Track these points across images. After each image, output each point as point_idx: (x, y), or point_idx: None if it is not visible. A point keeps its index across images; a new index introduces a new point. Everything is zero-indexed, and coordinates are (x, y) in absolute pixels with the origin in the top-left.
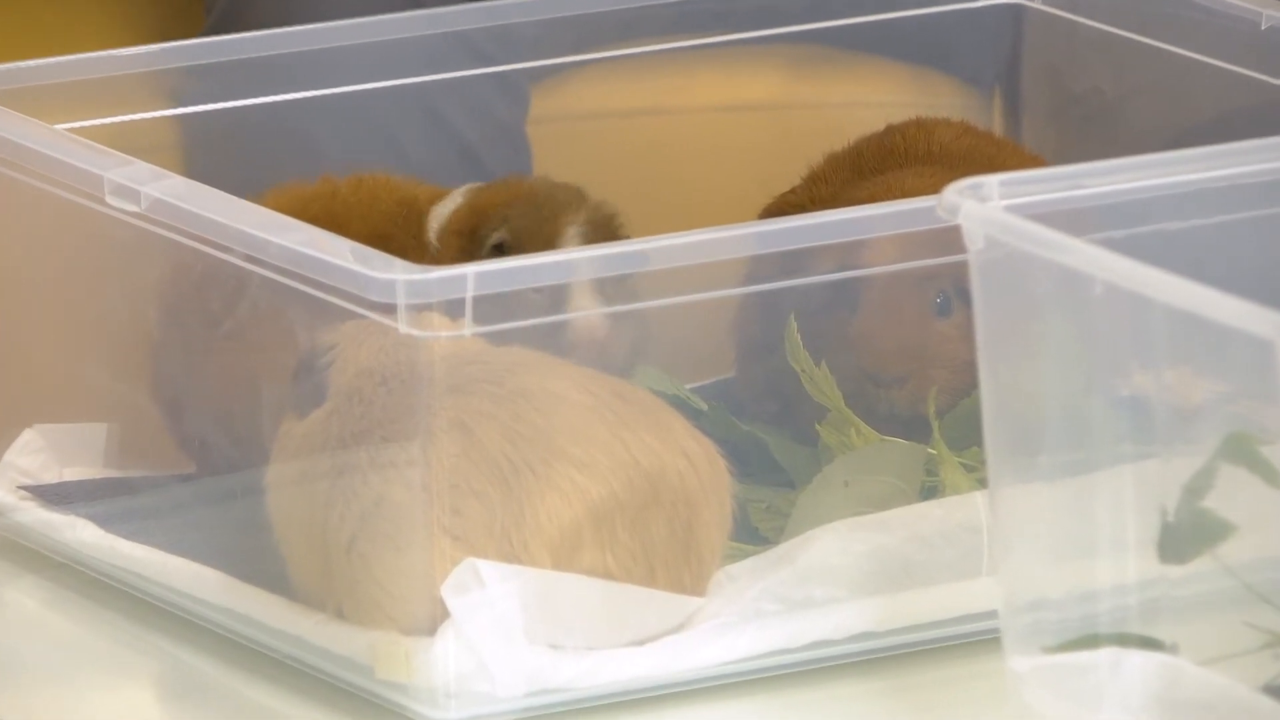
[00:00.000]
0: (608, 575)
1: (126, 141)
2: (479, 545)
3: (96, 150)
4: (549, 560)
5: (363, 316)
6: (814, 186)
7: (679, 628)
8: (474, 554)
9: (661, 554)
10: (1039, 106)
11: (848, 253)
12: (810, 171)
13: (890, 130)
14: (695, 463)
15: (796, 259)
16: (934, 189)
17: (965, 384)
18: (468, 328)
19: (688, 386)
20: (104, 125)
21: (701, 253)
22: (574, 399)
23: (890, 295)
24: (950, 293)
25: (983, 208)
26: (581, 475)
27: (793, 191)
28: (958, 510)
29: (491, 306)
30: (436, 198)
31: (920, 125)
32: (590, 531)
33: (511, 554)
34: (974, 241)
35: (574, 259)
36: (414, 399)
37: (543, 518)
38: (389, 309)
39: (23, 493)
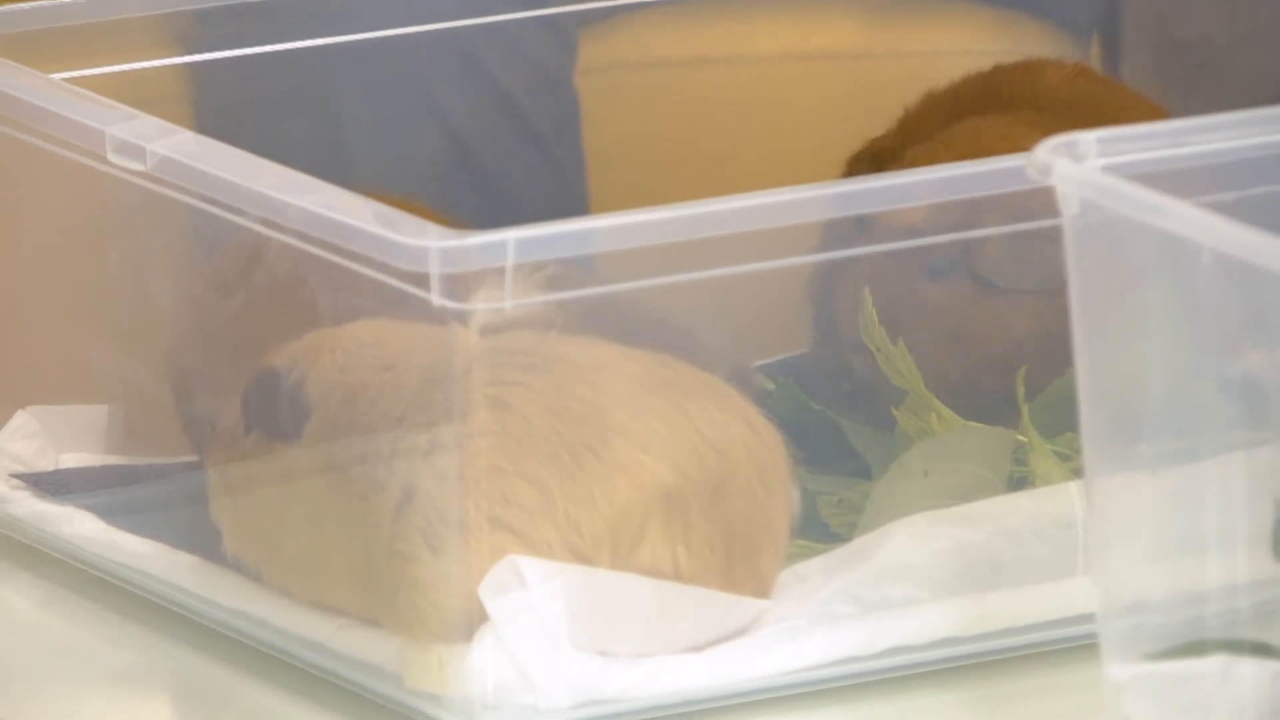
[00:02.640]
0: (677, 568)
1: (131, 93)
2: (538, 539)
3: (97, 103)
4: (612, 555)
5: (389, 289)
6: (908, 130)
7: (741, 632)
8: (533, 549)
9: (741, 536)
10: (1141, 55)
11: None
12: (905, 113)
13: (996, 70)
14: (759, 431)
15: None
16: (1026, 138)
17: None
18: (507, 299)
19: (755, 364)
20: (106, 75)
21: (772, 216)
22: (620, 366)
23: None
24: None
25: (1078, 168)
26: (646, 454)
27: (885, 135)
28: (1049, 503)
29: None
30: None
31: (1028, 67)
32: (660, 520)
33: (579, 549)
34: (1069, 205)
35: (626, 223)
36: (443, 380)
37: (609, 506)
38: (420, 279)
39: (16, 481)
